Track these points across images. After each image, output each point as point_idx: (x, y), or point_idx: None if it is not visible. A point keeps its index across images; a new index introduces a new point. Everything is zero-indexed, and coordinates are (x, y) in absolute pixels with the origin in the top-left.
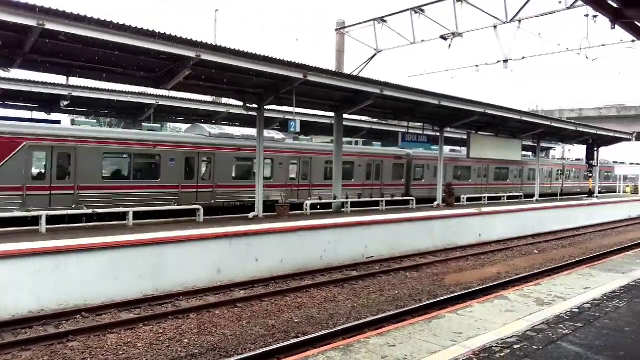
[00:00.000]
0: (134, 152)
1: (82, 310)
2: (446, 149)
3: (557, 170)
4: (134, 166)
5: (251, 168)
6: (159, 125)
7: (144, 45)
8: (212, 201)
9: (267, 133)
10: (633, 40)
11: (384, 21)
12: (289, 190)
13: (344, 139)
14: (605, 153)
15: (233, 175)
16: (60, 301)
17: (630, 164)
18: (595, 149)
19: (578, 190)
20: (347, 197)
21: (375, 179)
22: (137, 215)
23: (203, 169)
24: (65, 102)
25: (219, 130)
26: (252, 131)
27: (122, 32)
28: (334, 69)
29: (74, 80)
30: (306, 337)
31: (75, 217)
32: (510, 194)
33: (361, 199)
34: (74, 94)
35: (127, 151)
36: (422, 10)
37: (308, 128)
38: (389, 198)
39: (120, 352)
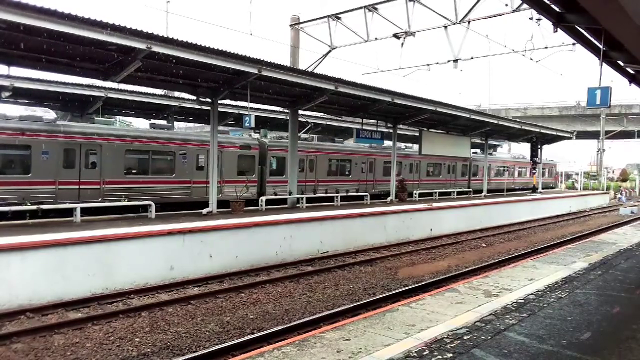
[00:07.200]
0: None
1: (27, 311)
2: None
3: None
4: None
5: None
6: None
7: (92, 35)
8: None
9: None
10: (574, 44)
11: (339, 18)
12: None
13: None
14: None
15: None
16: (3, 302)
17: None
18: (539, 146)
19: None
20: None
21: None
22: (85, 211)
23: None
24: (7, 94)
25: None
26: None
27: (69, 22)
28: (289, 65)
29: (16, 71)
30: (261, 333)
31: (20, 213)
32: (460, 190)
33: (316, 195)
34: (17, 84)
35: None
36: (375, 9)
37: (265, 124)
38: (344, 194)
39: (68, 353)
